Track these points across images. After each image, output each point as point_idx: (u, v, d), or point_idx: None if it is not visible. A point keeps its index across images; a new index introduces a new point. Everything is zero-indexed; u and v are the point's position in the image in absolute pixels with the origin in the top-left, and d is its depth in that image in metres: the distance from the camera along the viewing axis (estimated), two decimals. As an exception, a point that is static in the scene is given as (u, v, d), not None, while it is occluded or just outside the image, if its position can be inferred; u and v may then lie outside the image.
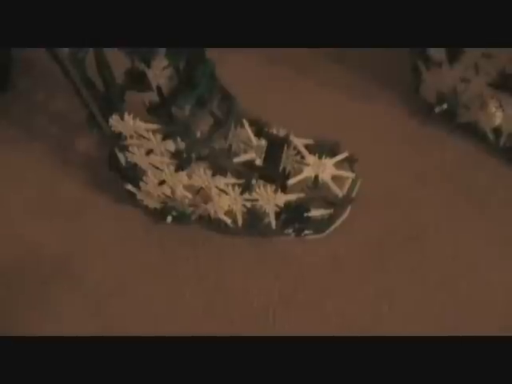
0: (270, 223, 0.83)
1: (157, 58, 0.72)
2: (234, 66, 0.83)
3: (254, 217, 0.84)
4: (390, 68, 0.99)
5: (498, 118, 0.90)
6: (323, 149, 0.84)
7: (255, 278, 0.86)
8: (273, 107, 0.91)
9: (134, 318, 0.85)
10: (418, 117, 0.97)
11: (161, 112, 0.76)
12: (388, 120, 0.97)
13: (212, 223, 0.87)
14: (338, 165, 0.83)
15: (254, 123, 0.85)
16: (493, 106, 0.89)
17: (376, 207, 0.90)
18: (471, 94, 0.91)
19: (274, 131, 0.85)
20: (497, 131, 0.92)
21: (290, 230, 0.84)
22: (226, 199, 0.83)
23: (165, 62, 0.73)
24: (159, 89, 0.75)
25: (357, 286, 0.85)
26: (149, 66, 0.73)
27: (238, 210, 0.83)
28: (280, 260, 0.87)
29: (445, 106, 0.94)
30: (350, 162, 0.84)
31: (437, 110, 0.95)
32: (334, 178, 0.82)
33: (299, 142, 0.84)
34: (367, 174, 0.86)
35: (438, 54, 0.89)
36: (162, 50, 0.72)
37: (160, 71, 0.74)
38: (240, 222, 0.85)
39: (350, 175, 0.83)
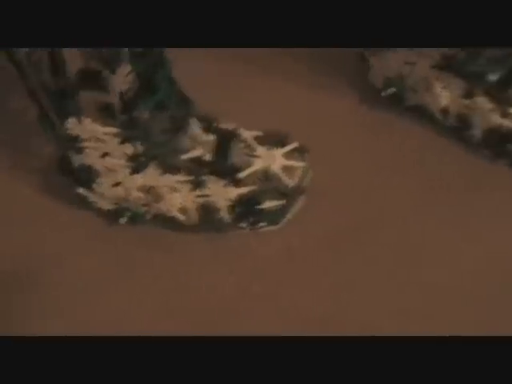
0: (223, 218, 0.83)
1: (121, 65, 0.72)
2: (183, 63, 0.81)
3: (207, 212, 0.83)
4: (338, 56, 0.98)
5: (444, 99, 0.90)
6: (273, 140, 0.83)
7: (211, 274, 0.86)
8: (222, 103, 0.90)
9: (94, 319, 0.84)
10: (367, 103, 0.97)
11: (121, 117, 0.76)
12: (338, 108, 0.97)
13: (166, 221, 0.86)
14: (288, 155, 0.83)
15: (202, 119, 0.84)
16: (438, 87, 0.90)
17: (330, 196, 0.89)
18: (417, 77, 0.91)
19: (223, 126, 0.84)
20: (444, 112, 0.92)
21: (245, 224, 0.84)
22: (178, 197, 0.82)
23: (128, 68, 0.73)
24: (121, 94, 0.75)
25: (313, 276, 0.85)
26: (113, 73, 0.73)
27: (191, 206, 0.83)
28: (235, 254, 0.86)
29: (392, 89, 0.94)
30: (300, 152, 0.84)
31: (384, 94, 0.94)
32: (285, 168, 0.82)
33: (248, 135, 0.83)
34: (320, 162, 0.87)
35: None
36: (126, 56, 0.72)
37: (124, 77, 0.74)
38: (194, 218, 0.83)
39: (301, 165, 0.83)
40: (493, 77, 0.88)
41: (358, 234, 0.88)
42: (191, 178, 0.81)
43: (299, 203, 0.85)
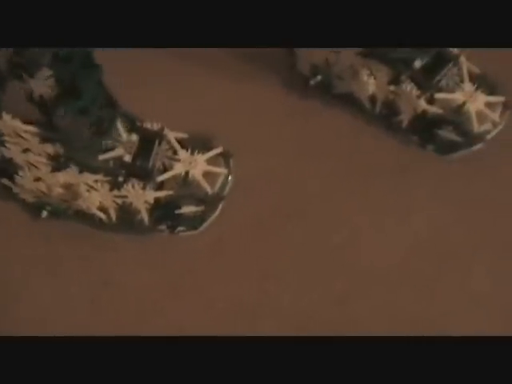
0: (143, 220, 0.82)
1: (41, 69, 0.71)
2: (109, 64, 0.78)
3: (126, 213, 0.82)
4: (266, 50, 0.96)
5: (370, 86, 0.89)
6: (197, 143, 0.82)
7: (141, 271, 0.85)
8: (147, 102, 0.88)
9: (20, 316, 0.83)
10: (296, 92, 0.95)
11: (41, 119, 0.75)
12: (266, 98, 0.95)
13: (87, 218, 0.85)
14: (211, 161, 0.82)
15: (126, 117, 0.82)
16: (364, 75, 0.89)
17: (258, 186, 0.89)
18: (343, 65, 0.90)
19: (148, 125, 0.82)
20: (372, 99, 0.91)
21: (163, 227, 0.83)
22: (96, 195, 0.81)
23: (48, 72, 0.71)
24: (41, 97, 0.73)
25: (242, 267, 0.85)
26: (32, 76, 0.71)
27: (110, 206, 0.81)
28: (164, 250, 0.86)
29: (319, 77, 0.93)
30: (224, 158, 0.83)
31: (312, 82, 0.93)
32: (206, 174, 0.81)
33: (172, 137, 0.82)
34: (249, 153, 0.86)
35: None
36: (47, 60, 0.70)
37: (43, 81, 0.72)
38: (113, 217, 0.82)
39: (223, 171, 0.82)
40: (418, 63, 0.87)
41: (287, 223, 0.88)
42: (109, 178, 0.80)
43: (218, 210, 0.84)
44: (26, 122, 0.76)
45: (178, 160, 0.80)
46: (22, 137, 0.77)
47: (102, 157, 0.79)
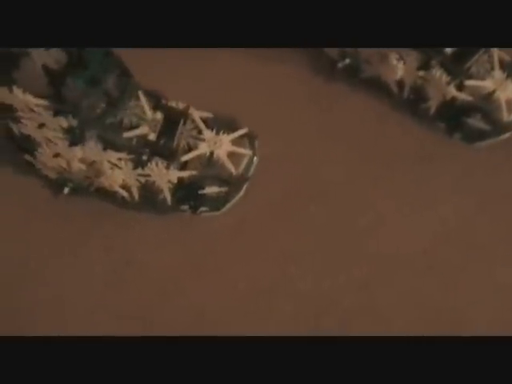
0: (165, 199, 0.81)
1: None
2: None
3: (148, 192, 0.81)
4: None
5: (399, 71, 0.88)
6: (222, 124, 0.81)
7: (162, 251, 0.85)
8: (173, 80, 0.87)
9: (39, 297, 0.83)
10: (323, 74, 0.94)
11: (50, 90, 0.73)
12: (293, 80, 0.93)
13: (109, 196, 0.84)
14: (236, 142, 0.81)
15: (150, 95, 0.81)
16: (393, 59, 0.87)
17: (281, 168, 0.88)
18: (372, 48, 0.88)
19: (173, 104, 0.81)
20: (400, 84, 0.90)
21: (186, 207, 0.82)
22: (119, 173, 0.80)
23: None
24: (46, 68, 0.72)
25: (263, 248, 0.85)
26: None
27: (133, 184, 0.81)
28: (187, 230, 0.85)
29: (347, 61, 0.91)
30: (249, 139, 0.82)
31: (340, 65, 0.92)
32: (231, 155, 0.80)
33: (197, 116, 0.81)
34: (273, 135, 0.85)
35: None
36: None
37: (48, 51, 0.71)
38: (136, 196, 0.81)
39: (247, 153, 0.81)
40: (449, 49, 0.85)
41: (310, 206, 0.87)
42: (133, 156, 0.79)
43: (243, 191, 0.83)
44: (37, 95, 0.75)
45: (203, 140, 0.79)
46: (34, 111, 0.76)
47: (126, 134, 0.78)
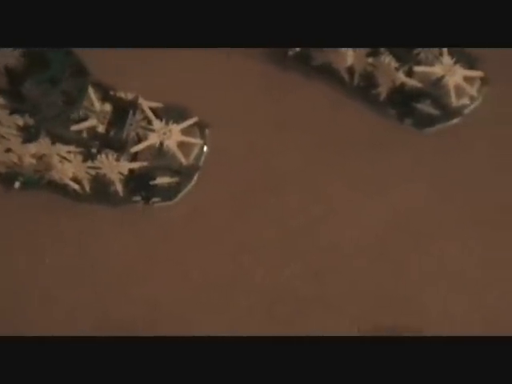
0: (117, 191, 0.81)
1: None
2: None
3: (100, 184, 0.81)
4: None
5: (349, 58, 0.88)
6: (172, 113, 0.81)
7: (116, 241, 0.85)
8: (123, 71, 0.87)
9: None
10: (274, 63, 0.93)
11: (8, 90, 0.73)
12: (244, 70, 0.93)
13: (60, 189, 0.84)
14: (186, 131, 0.81)
15: (98, 87, 0.80)
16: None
17: (235, 158, 0.88)
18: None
19: (122, 95, 0.81)
20: (350, 71, 0.90)
21: (138, 198, 0.82)
22: (70, 166, 0.80)
23: None
24: (8, 69, 0.72)
25: (216, 238, 0.85)
26: None
27: (83, 177, 0.81)
28: (139, 220, 0.85)
29: (297, 48, 0.91)
30: (199, 128, 0.82)
31: (290, 53, 0.92)
32: (181, 145, 0.80)
33: (147, 106, 0.80)
34: (226, 125, 0.85)
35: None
36: None
37: (10, 51, 0.71)
38: (87, 188, 0.81)
39: (198, 142, 0.81)
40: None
41: (263, 195, 0.87)
42: (82, 149, 0.79)
43: (194, 180, 0.83)
44: (-6, 93, 0.73)
45: (153, 130, 0.79)
46: (-12, 108, 0.74)
47: (74, 127, 0.78)
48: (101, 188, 0.81)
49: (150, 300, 0.80)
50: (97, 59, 0.78)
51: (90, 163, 0.79)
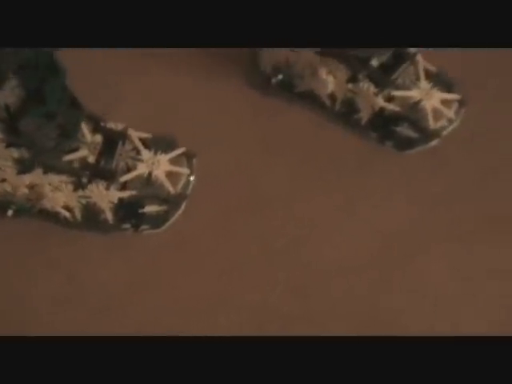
0: (107, 219, 0.83)
1: (10, 79, 0.71)
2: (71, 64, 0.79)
3: (90, 212, 0.83)
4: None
5: (330, 84, 0.91)
6: (160, 144, 0.83)
7: (106, 268, 0.86)
8: (112, 101, 0.90)
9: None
10: (259, 90, 0.96)
11: (7, 127, 0.75)
12: (230, 97, 0.96)
13: (52, 217, 0.86)
14: (175, 160, 0.83)
15: (90, 118, 0.82)
16: (323, 73, 0.90)
17: (222, 181, 0.91)
18: (303, 63, 0.91)
19: (112, 125, 0.83)
20: (332, 97, 0.93)
21: (128, 225, 0.84)
22: (61, 195, 0.82)
23: (15, 82, 0.72)
24: (7, 107, 0.73)
25: (205, 264, 0.87)
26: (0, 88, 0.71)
27: (75, 205, 0.83)
28: (128, 247, 0.87)
29: (280, 76, 0.94)
30: (187, 157, 0.84)
31: (273, 81, 0.95)
32: (169, 174, 0.82)
33: (136, 137, 0.83)
34: (212, 151, 0.88)
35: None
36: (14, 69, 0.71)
37: (10, 91, 0.72)
38: (78, 216, 0.83)
39: (185, 171, 0.83)
40: (375, 62, 0.89)
41: (248, 216, 0.90)
42: (73, 178, 0.81)
43: (182, 208, 0.85)
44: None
45: (141, 160, 0.81)
46: (-15, 142, 0.76)
47: (66, 158, 0.80)
48: (91, 216, 0.83)
49: (140, 324, 0.82)
50: (87, 88, 0.80)
51: (80, 192, 0.81)
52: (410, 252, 0.88)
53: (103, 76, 0.94)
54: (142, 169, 0.81)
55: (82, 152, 0.80)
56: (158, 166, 0.81)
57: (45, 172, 0.80)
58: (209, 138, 0.89)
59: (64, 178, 0.80)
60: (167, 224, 0.84)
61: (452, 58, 0.88)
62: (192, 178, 0.83)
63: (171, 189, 0.81)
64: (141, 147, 0.82)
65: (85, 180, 0.80)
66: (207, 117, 0.93)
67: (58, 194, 0.81)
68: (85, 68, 0.87)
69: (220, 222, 0.88)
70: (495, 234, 0.89)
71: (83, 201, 0.82)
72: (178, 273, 0.85)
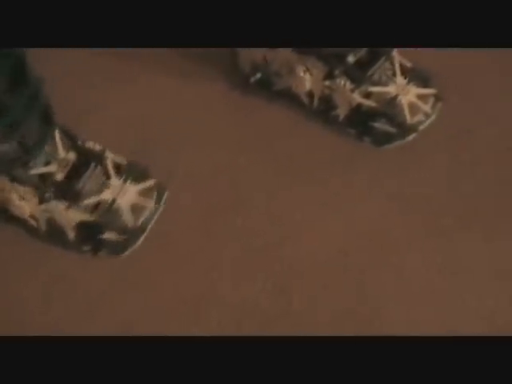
0: (68, 237, 0.82)
1: None
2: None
3: (53, 227, 0.82)
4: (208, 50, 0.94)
5: (307, 82, 0.89)
6: (133, 172, 0.81)
7: (92, 266, 0.86)
8: (90, 101, 0.89)
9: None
10: (238, 89, 0.95)
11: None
12: (209, 96, 0.95)
13: (22, 224, 0.85)
14: (143, 192, 0.81)
15: (67, 135, 0.81)
16: (300, 71, 0.88)
17: (201, 180, 0.90)
18: (280, 62, 0.90)
19: (91, 145, 0.81)
20: (309, 94, 0.91)
21: (88, 248, 0.83)
22: (27, 205, 0.81)
23: None
24: None
25: (186, 259, 0.87)
26: None
27: (40, 217, 0.82)
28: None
29: (258, 75, 0.93)
30: (158, 190, 0.82)
31: (252, 80, 0.93)
32: (134, 206, 0.80)
33: (111, 161, 0.80)
34: (191, 147, 0.88)
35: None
36: None
37: None
38: (43, 228, 0.83)
39: (150, 205, 0.81)
40: (351, 58, 0.87)
41: (226, 215, 0.89)
42: (38, 191, 0.80)
43: (140, 241, 0.82)
44: None
45: (109, 186, 0.79)
46: None
47: (33, 171, 0.79)
48: (53, 231, 0.82)
49: (123, 324, 0.82)
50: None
51: (44, 206, 0.79)
52: (390, 248, 0.87)
53: (82, 77, 0.94)
54: (106, 195, 0.79)
55: (51, 168, 0.79)
56: (124, 195, 0.79)
57: (11, 180, 0.79)
58: (188, 137, 0.89)
59: (29, 189, 0.79)
60: (126, 253, 0.82)
61: (427, 55, 0.86)
62: (159, 211, 0.81)
63: (130, 222, 0.79)
64: (112, 173, 0.79)
65: (48, 195, 0.79)
66: (186, 116, 0.92)
67: (24, 203, 0.81)
68: (61, 69, 0.88)
69: (200, 221, 0.87)
70: (474, 228, 0.88)
71: (46, 215, 0.80)
72: (159, 273, 0.85)
